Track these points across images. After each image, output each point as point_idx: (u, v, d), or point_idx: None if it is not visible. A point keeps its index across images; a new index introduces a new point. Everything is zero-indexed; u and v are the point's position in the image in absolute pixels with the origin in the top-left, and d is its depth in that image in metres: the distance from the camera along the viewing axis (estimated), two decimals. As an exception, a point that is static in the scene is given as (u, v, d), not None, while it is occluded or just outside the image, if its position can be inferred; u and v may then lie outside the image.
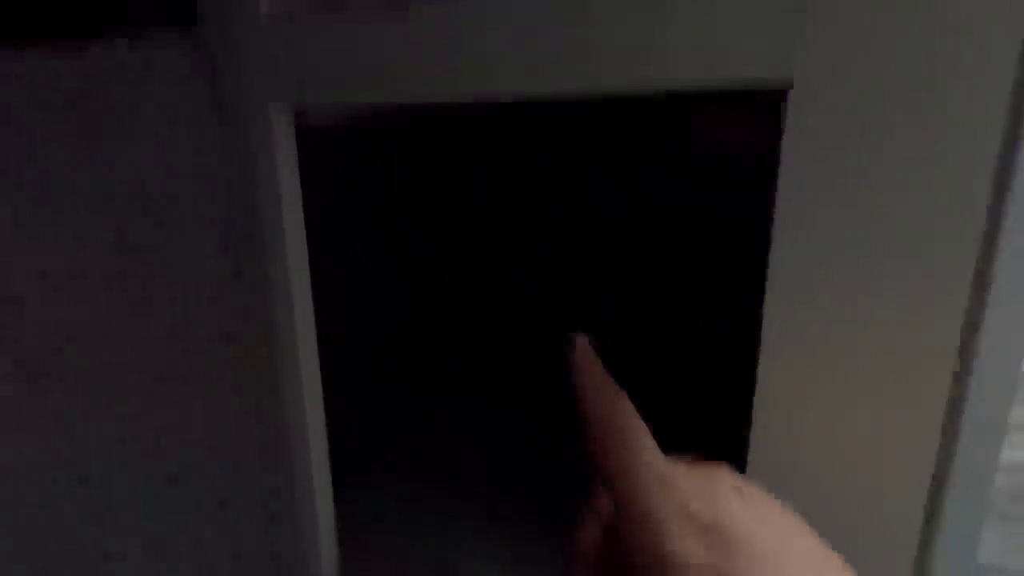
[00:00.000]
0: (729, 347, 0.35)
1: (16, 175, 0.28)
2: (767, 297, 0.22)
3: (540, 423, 0.58)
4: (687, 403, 0.42)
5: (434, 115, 0.55)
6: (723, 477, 0.19)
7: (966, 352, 0.20)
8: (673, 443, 0.21)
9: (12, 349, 0.28)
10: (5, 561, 0.28)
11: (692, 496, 0.17)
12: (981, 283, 0.20)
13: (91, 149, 0.30)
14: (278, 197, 0.29)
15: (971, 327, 0.20)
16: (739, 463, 0.23)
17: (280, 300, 0.31)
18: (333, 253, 0.41)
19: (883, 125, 0.20)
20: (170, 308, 0.30)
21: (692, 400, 0.45)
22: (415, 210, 0.58)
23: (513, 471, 0.50)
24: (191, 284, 0.31)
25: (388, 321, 0.53)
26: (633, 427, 0.20)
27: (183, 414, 0.32)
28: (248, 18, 0.28)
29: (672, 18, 0.21)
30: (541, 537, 0.41)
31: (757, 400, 0.23)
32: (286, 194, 0.30)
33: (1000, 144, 0.18)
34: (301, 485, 0.33)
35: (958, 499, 0.22)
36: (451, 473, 0.49)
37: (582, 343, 0.22)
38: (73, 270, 0.29)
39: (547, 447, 0.53)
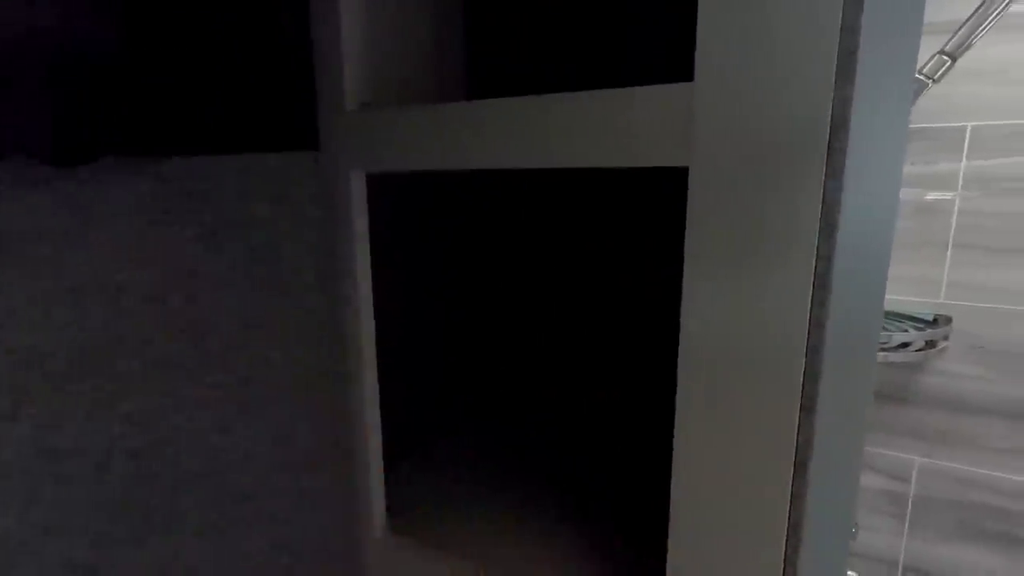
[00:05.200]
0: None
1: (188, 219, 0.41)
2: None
3: (573, 431, 0.66)
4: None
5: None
6: None
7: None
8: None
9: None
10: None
11: None
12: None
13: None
14: (352, 236, 0.41)
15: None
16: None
17: (351, 313, 0.42)
18: (398, 279, 0.53)
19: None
20: (274, 315, 0.42)
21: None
22: (464, 249, 0.69)
23: (546, 469, 0.57)
24: (289, 297, 0.43)
25: (440, 340, 0.64)
26: None
27: (278, 397, 0.43)
28: (336, 112, 0.40)
29: (603, 119, 0.29)
30: (574, 531, 0.48)
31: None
32: (359, 233, 0.41)
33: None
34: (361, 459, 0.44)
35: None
36: (491, 467, 0.58)
37: None
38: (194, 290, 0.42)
39: (579, 451, 0.60)
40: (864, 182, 0.29)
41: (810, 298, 0.26)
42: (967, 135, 0.95)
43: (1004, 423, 1.00)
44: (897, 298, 1.05)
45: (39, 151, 0.23)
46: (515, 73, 0.62)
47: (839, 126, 0.25)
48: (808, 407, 0.28)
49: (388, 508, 0.49)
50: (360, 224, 0.41)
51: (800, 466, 0.28)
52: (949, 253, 1.00)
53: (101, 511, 0.28)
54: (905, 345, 0.94)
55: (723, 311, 0.28)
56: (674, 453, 0.31)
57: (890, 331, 0.94)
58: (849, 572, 0.87)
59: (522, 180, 0.71)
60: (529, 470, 0.58)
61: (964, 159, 0.96)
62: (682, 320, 0.29)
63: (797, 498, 0.29)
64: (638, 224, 0.67)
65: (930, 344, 0.96)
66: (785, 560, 0.29)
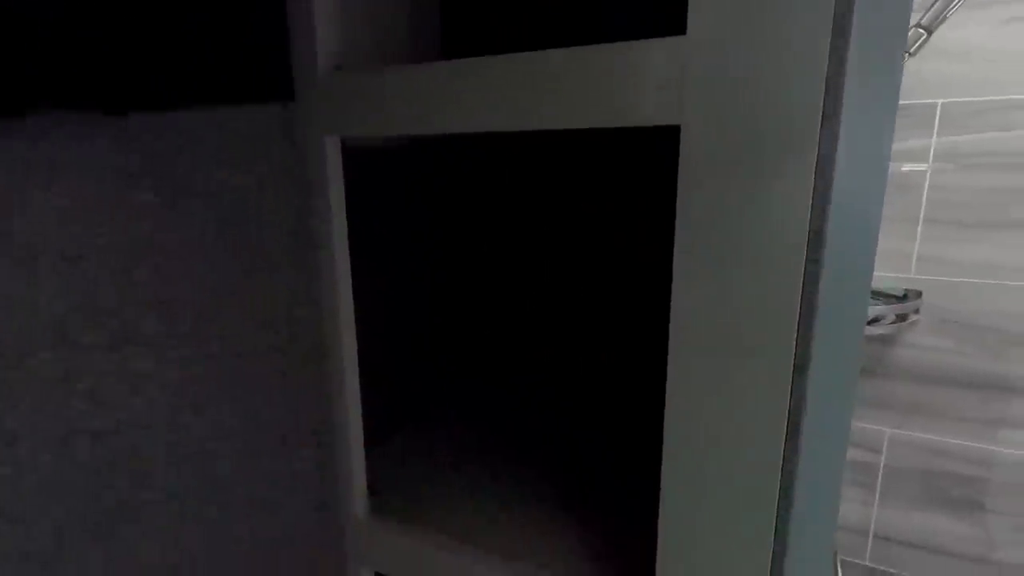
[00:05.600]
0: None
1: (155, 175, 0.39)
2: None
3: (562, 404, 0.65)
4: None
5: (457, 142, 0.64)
6: None
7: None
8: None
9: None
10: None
11: None
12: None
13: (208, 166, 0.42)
14: (328, 204, 0.39)
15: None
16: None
17: (328, 285, 0.40)
18: (375, 250, 0.51)
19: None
20: (248, 287, 0.40)
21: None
22: (442, 212, 0.67)
23: (535, 446, 0.57)
24: (262, 270, 0.41)
25: (423, 310, 0.62)
26: None
27: (252, 367, 0.42)
28: (309, 75, 0.38)
29: (589, 77, 0.28)
30: (560, 505, 0.48)
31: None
32: (335, 201, 0.39)
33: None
34: (342, 438, 0.43)
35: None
36: (475, 443, 0.57)
37: None
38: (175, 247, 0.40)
39: (570, 425, 0.60)
40: (859, 139, 0.29)
41: (805, 255, 0.25)
42: (938, 111, 0.96)
43: (972, 394, 1.04)
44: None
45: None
46: (492, 33, 0.60)
47: (835, 82, 0.25)
48: (800, 367, 0.27)
49: (370, 488, 0.48)
50: (336, 191, 0.39)
51: (793, 427, 0.28)
52: (920, 228, 1.02)
53: (61, 498, 0.27)
54: (876, 320, 0.96)
55: (716, 270, 0.28)
56: (666, 417, 0.30)
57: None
58: None
59: (506, 140, 0.69)
60: (516, 446, 0.58)
61: (935, 135, 0.97)
62: (674, 281, 0.29)
63: (788, 461, 0.29)
64: (628, 184, 0.66)
65: (901, 318, 0.98)
66: (777, 519, 0.29)
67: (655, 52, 0.27)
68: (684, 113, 0.27)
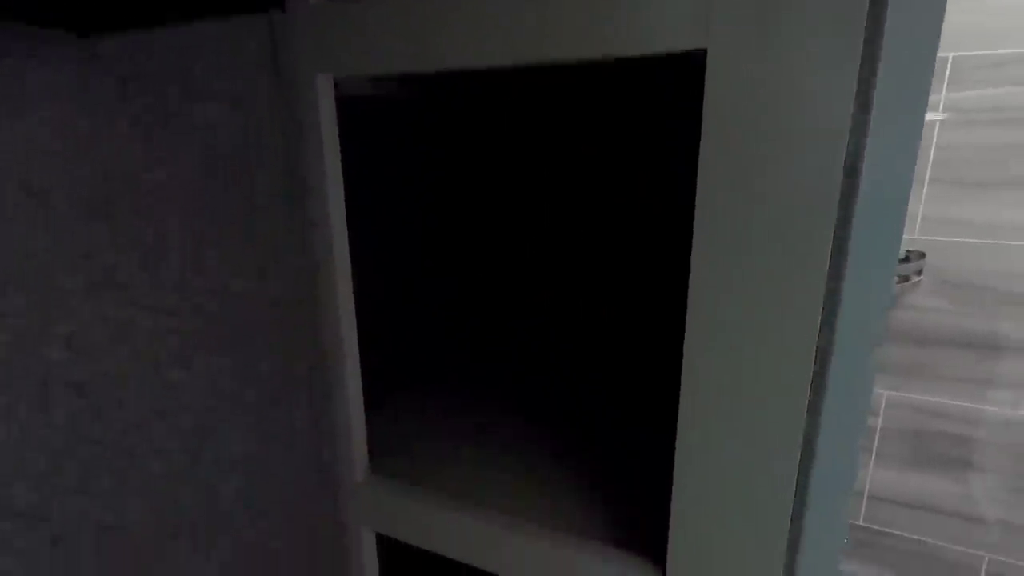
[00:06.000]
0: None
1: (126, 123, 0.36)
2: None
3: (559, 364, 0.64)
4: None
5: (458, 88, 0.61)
6: None
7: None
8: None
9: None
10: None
11: None
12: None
13: (181, 101, 0.39)
14: (321, 146, 0.37)
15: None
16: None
17: (322, 233, 0.38)
18: (370, 202, 0.48)
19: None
20: (236, 232, 0.38)
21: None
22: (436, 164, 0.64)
23: (533, 407, 0.56)
24: (252, 216, 0.39)
25: (418, 265, 0.60)
26: None
27: (245, 327, 0.40)
28: (299, 8, 0.35)
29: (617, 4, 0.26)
30: (557, 467, 0.47)
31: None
32: (328, 144, 0.37)
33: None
34: (339, 393, 0.41)
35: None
36: (472, 408, 0.56)
37: None
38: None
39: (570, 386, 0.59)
40: (897, 68, 0.27)
41: (839, 187, 0.23)
42: (948, 66, 0.93)
43: (970, 354, 1.04)
44: (872, 235, 1.05)
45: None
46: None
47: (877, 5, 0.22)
48: (830, 314, 0.26)
49: (370, 450, 0.46)
50: (329, 133, 0.37)
51: (818, 376, 0.27)
52: (925, 189, 1.00)
53: (42, 451, 0.25)
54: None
55: (742, 202, 0.26)
56: (684, 359, 0.29)
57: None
58: None
59: (503, 79, 0.66)
60: (515, 406, 0.56)
61: (944, 91, 0.95)
62: (697, 213, 0.27)
63: (812, 411, 0.28)
64: (630, 125, 0.63)
65: (903, 279, 0.97)
66: (798, 474, 0.28)
67: (680, -34, 0.25)
68: (711, 36, 0.25)
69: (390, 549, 0.48)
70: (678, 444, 0.30)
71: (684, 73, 0.50)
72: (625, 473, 0.45)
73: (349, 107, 0.40)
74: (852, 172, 0.24)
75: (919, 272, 1.00)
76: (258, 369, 0.37)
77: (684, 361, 0.29)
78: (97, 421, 0.27)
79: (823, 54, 0.23)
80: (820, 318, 0.25)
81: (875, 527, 1.19)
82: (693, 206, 0.60)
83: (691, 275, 0.27)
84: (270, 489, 0.41)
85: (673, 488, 0.31)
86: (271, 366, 0.38)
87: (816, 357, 0.26)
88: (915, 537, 1.16)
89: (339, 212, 0.39)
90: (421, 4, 0.31)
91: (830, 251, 0.24)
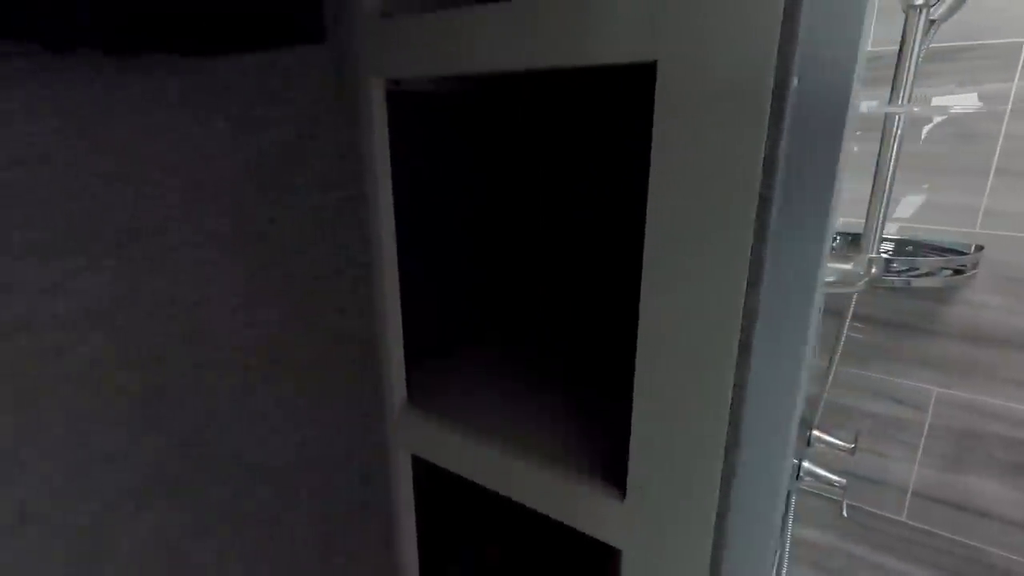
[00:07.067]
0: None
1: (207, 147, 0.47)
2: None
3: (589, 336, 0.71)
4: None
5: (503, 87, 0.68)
6: None
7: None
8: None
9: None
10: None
11: None
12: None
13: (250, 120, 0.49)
14: (373, 136, 0.46)
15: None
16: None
17: (372, 210, 0.48)
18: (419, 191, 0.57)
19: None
20: (293, 220, 0.47)
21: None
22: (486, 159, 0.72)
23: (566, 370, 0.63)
24: (315, 193, 0.48)
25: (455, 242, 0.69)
26: None
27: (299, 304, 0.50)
28: (356, 20, 0.44)
29: (569, 17, 0.32)
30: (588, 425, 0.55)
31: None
32: (379, 134, 0.46)
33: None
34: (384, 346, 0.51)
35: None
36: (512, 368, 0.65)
37: None
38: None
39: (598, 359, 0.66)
40: (817, 68, 0.31)
41: (759, 180, 0.29)
42: (1022, 52, 0.89)
43: (1023, 354, 1.00)
44: (931, 227, 1.03)
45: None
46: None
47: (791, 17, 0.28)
48: (753, 281, 0.32)
49: (409, 395, 0.56)
50: (380, 126, 0.46)
51: (745, 329, 0.32)
52: (990, 180, 0.96)
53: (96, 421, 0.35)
54: (929, 273, 0.93)
55: (684, 189, 0.32)
56: (640, 325, 0.35)
57: (916, 259, 0.94)
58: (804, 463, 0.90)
59: (552, 86, 0.73)
60: (531, 368, 0.64)
61: (1017, 78, 0.90)
62: (649, 200, 0.33)
63: (741, 365, 0.33)
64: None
65: (958, 272, 0.95)
66: (731, 408, 0.34)
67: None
68: (659, 49, 0.31)
69: (421, 469, 0.58)
70: (635, 398, 0.37)
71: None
72: (609, 421, 0.52)
73: (399, 104, 0.49)
74: (770, 172, 0.29)
75: (975, 265, 0.97)
76: (317, 321, 0.47)
77: (639, 338, 0.35)
78: (166, 354, 0.38)
79: (742, 64, 0.29)
80: (745, 285, 0.31)
81: (918, 525, 1.17)
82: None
83: (643, 263, 0.34)
84: (324, 416, 0.51)
85: (631, 431, 0.38)
86: (327, 318, 0.48)
87: (742, 322, 0.32)
88: (958, 538, 1.13)
89: (387, 189, 0.48)
90: (440, 26, 0.39)
91: (753, 230, 0.30)
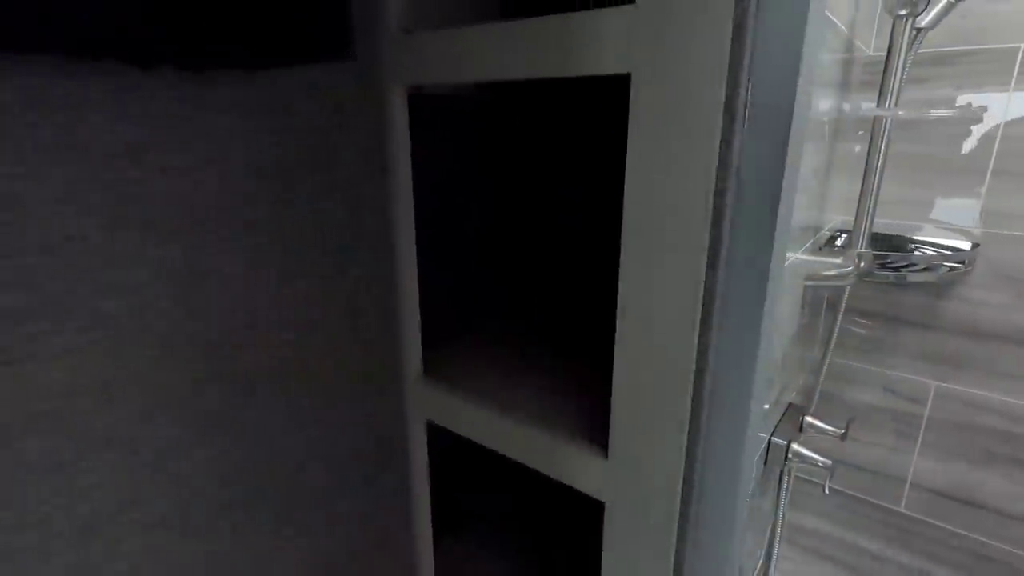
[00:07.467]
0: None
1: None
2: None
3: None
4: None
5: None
6: None
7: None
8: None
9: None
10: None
11: None
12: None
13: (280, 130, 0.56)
14: (395, 136, 0.52)
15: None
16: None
17: (394, 200, 0.54)
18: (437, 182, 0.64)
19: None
20: (312, 208, 0.54)
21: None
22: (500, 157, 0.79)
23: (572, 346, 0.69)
24: (340, 187, 0.55)
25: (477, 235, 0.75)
26: None
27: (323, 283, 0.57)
28: (380, 36, 0.50)
29: (557, 33, 0.38)
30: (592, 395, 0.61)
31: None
32: (400, 135, 0.53)
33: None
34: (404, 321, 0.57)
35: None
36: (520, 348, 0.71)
37: None
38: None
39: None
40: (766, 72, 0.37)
41: (714, 176, 0.35)
42: (1019, 57, 0.92)
43: (1021, 350, 1.02)
44: (930, 225, 1.06)
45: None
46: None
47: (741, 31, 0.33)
48: (712, 264, 0.37)
49: (425, 368, 0.63)
50: (402, 127, 0.52)
51: (707, 295, 0.38)
52: (987, 181, 0.99)
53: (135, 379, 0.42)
54: (927, 268, 0.96)
55: (655, 181, 0.38)
56: (619, 291, 0.41)
57: (910, 255, 0.97)
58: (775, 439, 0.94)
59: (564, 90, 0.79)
60: (536, 347, 0.70)
61: (1013, 83, 0.93)
62: (625, 194, 0.39)
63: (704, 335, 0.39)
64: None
65: (954, 269, 0.98)
66: (693, 385, 0.40)
67: (613, 18, 0.37)
68: (634, 63, 0.37)
69: (434, 433, 0.64)
70: (615, 370, 0.43)
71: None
72: (596, 391, 0.58)
73: (419, 110, 0.56)
74: (725, 167, 0.35)
75: (971, 262, 1.00)
76: (338, 295, 0.54)
77: (617, 317, 0.41)
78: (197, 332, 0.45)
79: (698, 76, 0.34)
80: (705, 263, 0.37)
81: (916, 516, 1.20)
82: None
83: (620, 251, 0.40)
84: (341, 388, 0.58)
85: (612, 399, 0.44)
86: (348, 292, 0.54)
87: (703, 298, 0.37)
88: (956, 530, 1.15)
89: (407, 182, 0.54)
90: (452, 41, 0.45)
91: (711, 210, 0.36)
